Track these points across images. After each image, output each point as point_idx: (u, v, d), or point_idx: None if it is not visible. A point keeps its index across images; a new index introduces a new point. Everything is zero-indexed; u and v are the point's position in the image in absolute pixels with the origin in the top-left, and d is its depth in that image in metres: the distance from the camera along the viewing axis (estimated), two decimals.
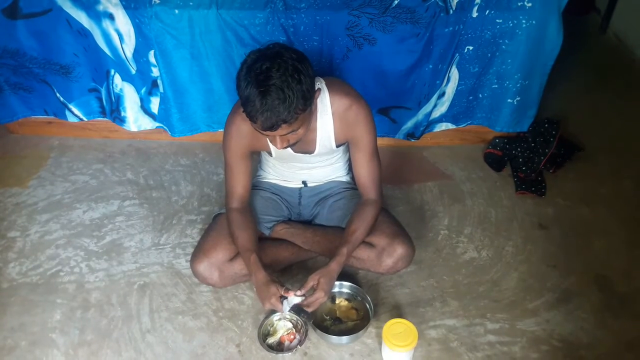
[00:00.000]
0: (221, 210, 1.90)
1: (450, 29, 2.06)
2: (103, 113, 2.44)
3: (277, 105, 1.39)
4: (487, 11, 2.04)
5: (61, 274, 1.97)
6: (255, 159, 1.89)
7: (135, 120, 2.41)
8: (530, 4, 2.03)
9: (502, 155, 2.41)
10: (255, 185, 1.97)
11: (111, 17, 2.09)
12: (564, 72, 2.70)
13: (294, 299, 1.64)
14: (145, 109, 2.37)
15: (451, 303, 1.85)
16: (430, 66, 2.15)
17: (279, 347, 1.71)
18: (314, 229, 1.92)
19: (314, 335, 1.74)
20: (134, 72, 2.24)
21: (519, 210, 2.19)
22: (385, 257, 1.78)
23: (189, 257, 1.90)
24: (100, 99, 2.39)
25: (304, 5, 2.04)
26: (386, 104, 2.29)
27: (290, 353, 1.68)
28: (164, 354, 1.72)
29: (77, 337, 1.77)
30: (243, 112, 1.45)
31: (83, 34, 2.15)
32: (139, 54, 2.17)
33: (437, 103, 2.30)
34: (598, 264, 1.96)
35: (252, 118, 1.43)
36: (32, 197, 2.28)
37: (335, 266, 1.67)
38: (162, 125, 2.43)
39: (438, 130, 2.44)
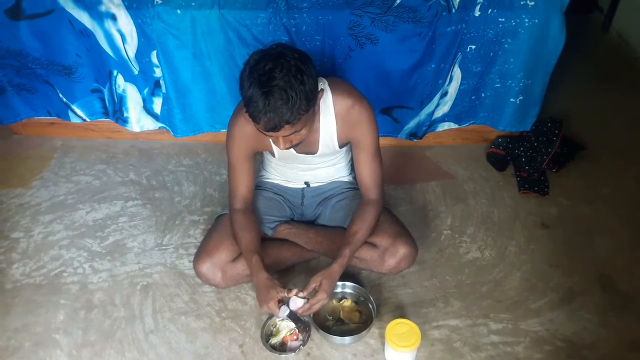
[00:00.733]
0: (224, 211, 1.90)
1: (453, 28, 2.05)
2: (106, 114, 2.44)
3: (280, 106, 1.38)
4: (490, 10, 2.04)
5: (64, 274, 1.97)
6: (257, 159, 1.89)
7: (138, 120, 2.41)
8: (532, 3, 2.03)
9: (504, 154, 2.40)
10: (258, 186, 1.97)
11: (113, 17, 2.09)
12: (567, 71, 2.69)
13: (297, 300, 1.64)
14: (147, 109, 2.37)
15: (454, 303, 1.85)
16: (433, 65, 2.15)
17: (282, 348, 1.71)
18: (317, 230, 1.92)
19: (316, 335, 1.74)
20: (136, 72, 2.24)
21: (522, 210, 2.18)
22: (388, 257, 1.78)
23: (191, 258, 1.90)
24: (102, 100, 2.39)
25: (306, 5, 2.04)
26: (388, 104, 2.29)
27: (293, 353, 1.68)
28: (167, 354, 1.72)
29: (80, 337, 1.77)
30: (246, 112, 1.45)
31: (85, 34, 2.15)
32: (142, 54, 2.17)
33: (440, 102, 2.30)
34: (601, 264, 1.96)
35: (255, 119, 1.43)
36: (36, 197, 2.28)
37: (337, 267, 1.67)
38: (164, 125, 2.43)
39: (440, 129, 2.43)
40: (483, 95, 2.30)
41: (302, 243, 1.91)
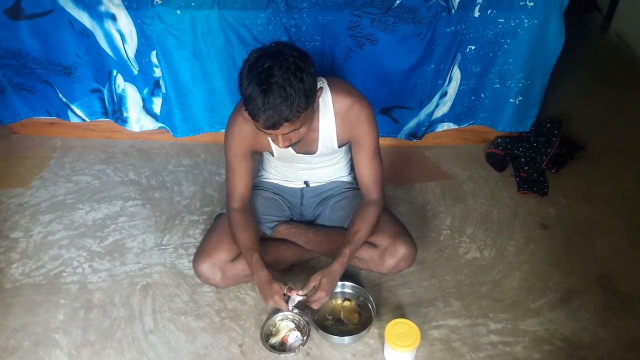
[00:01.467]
0: (223, 211, 1.90)
1: (452, 28, 2.06)
2: (105, 114, 2.44)
3: (279, 103, 1.38)
4: (489, 11, 2.04)
5: (64, 274, 1.97)
6: (256, 159, 1.89)
7: (138, 120, 2.41)
8: (532, 4, 2.03)
9: (504, 155, 2.41)
10: (257, 186, 1.97)
11: (113, 17, 2.09)
12: (566, 72, 2.70)
13: (296, 298, 1.64)
14: (147, 109, 2.38)
15: (453, 303, 1.85)
16: (432, 66, 2.15)
17: (281, 348, 1.71)
18: (316, 229, 1.92)
19: (316, 335, 1.74)
20: (136, 72, 2.24)
21: (521, 210, 2.19)
22: (388, 257, 1.78)
23: (191, 258, 1.91)
24: (102, 100, 2.39)
25: (306, 5, 2.04)
26: (388, 104, 2.29)
27: (292, 353, 1.68)
28: (166, 354, 1.72)
29: (80, 337, 1.77)
30: (245, 110, 1.45)
31: (85, 34, 2.15)
32: (141, 54, 2.18)
33: (439, 103, 2.30)
34: (600, 264, 1.96)
35: (254, 117, 1.43)
36: (35, 197, 2.28)
37: (337, 267, 1.67)
38: (164, 125, 2.43)
39: (440, 130, 2.44)
40: (482, 95, 2.30)
41: (301, 243, 1.91)
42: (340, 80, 1.75)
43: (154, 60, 2.18)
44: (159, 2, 2.05)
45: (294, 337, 1.72)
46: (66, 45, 2.20)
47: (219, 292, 1.89)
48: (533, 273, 1.94)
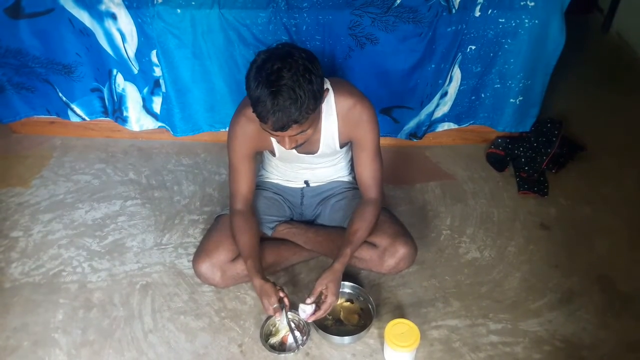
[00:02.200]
0: (223, 211, 1.90)
1: (453, 28, 2.05)
2: (105, 113, 2.44)
3: (288, 105, 1.38)
4: (490, 10, 2.04)
5: (64, 273, 1.97)
6: (257, 158, 1.88)
7: (138, 120, 2.41)
8: (532, 4, 2.03)
9: (504, 155, 2.40)
10: (258, 185, 1.97)
11: (113, 16, 2.09)
12: (567, 72, 2.70)
13: (307, 307, 1.64)
14: (147, 108, 2.37)
15: (453, 303, 1.85)
16: (433, 66, 2.15)
17: (281, 347, 1.71)
18: (316, 229, 1.92)
19: (315, 335, 1.74)
20: (136, 71, 2.24)
21: (522, 210, 2.18)
22: (388, 257, 1.78)
23: (191, 257, 1.90)
24: (102, 99, 2.39)
25: (307, 5, 2.04)
26: (388, 104, 2.29)
27: (292, 353, 1.68)
28: (166, 354, 1.72)
29: (79, 337, 1.77)
30: (253, 112, 1.44)
31: (85, 33, 2.15)
32: (141, 53, 2.17)
33: (440, 103, 2.30)
34: (600, 264, 1.96)
35: (262, 119, 1.42)
36: (35, 196, 2.28)
37: (339, 267, 1.67)
38: (164, 125, 2.43)
39: (440, 130, 2.43)
40: (483, 95, 2.30)
41: (301, 243, 1.91)
42: (342, 81, 1.74)
43: (154, 59, 2.17)
44: (160, 1, 2.05)
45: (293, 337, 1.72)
46: (66, 44, 2.20)
47: (219, 292, 1.88)
48: (533, 273, 1.94)
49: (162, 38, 2.09)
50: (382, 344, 1.70)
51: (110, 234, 2.12)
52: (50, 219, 2.18)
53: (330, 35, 2.08)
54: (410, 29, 2.04)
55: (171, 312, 1.84)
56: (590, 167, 2.37)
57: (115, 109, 2.39)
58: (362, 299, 1.82)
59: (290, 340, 1.71)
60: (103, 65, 2.25)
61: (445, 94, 2.28)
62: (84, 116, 2.45)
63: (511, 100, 2.29)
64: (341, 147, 1.76)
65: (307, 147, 1.69)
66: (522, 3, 2.03)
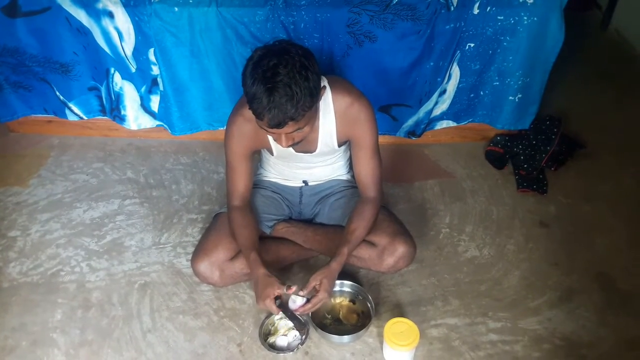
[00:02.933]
0: (222, 210, 1.90)
1: (452, 25, 2.05)
2: (103, 112, 2.44)
3: (284, 102, 1.37)
4: (489, 8, 2.03)
5: (62, 273, 1.97)
6: (255, 157, 1.88)
7: (136, 118, 2.40)
8: (531, 1, 2.02)
9: (503, 152, 2.40)
10: (256, 184, 1.97)
11: (110, 15, 2.08)
12: (566, 69, 2.69)
13: (297, 299, 1.64)
14: (145, 107, 2.37)
15: (453, 302, 1.85)
16: (431, 63, 2.14)
17: (280, 347, 1.70)
18: (315, 228, 1.92)
19: (315, 334, 1.73)
20: (133, 70, 2.23)
21: (521, 208, 2.18)
22: (387, 255, 1.78)
23: (189, 256, 1.90)
24: (100, 98, 2.38)
25: (304, 3, 2.04)
26: (387, 102, 2.28)
27: (291, 352, 1.68)
28: (165, 353, 1.71)
29: (78, 336, 1.77)
30: (249, 109, 1.44)
31: (82, 32, 2.14)
32: (139, 52, 2.16)
33: (438, 101, 2.29)
34: (600, 262, 1.96)
35: (258, 115, 1.42)
36: (33, 196, 2.28)
37: (336, 266, 1.67)
38: (162, 123, 2.42)
39: (439, 127, 2.43)
40: (482, 93, 2.29)
41: (300, 242, 1.90)
42: (340, 79, 1.74)
43: (152, 57, 2.16)
44: None
45: (292, 336, 1.71)
46: (63, 43, 2.19)
47: (218, 291, 1.88)
48: (532, 271, 1.94)
49: (159, 36, 2.08)
50: (381, 342, 1.69)
51: (109, 233, 2.12)
52: (48, 219, 2.18)
53: (329, 33, 2.07)
54: (408, 26, 2.04)
55: (170, 312, 1.83)
56: (590, 165, 2.36)
57: (113, 108, 2.38)
58: (361, 297, 1.82)
59: (289, 339, 1.70)
60: (100, 64, 2.24)
61: (444, 91, 2.27)
62: (81, 115, 2.44)
63: (510, 97, 2.28)
64: (339, 145, 1.76)
65: (305, 145, 1.69)
66: (520, 0, 2.03)
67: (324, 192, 1.95)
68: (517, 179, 2.29)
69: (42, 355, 1.72)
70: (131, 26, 2.10)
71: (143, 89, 2.30)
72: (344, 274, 1.80)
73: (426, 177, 2.34)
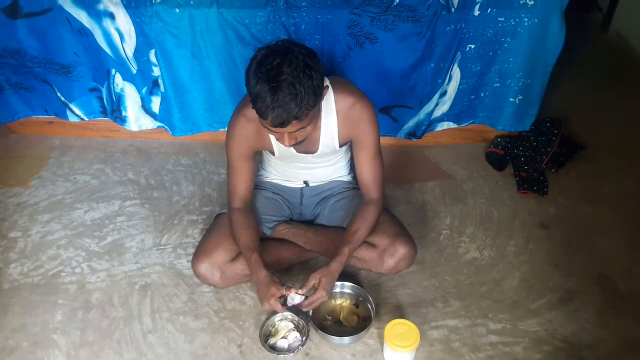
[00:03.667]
0: (222, 211, 1.90)
1: (452, 27, 2.05)
2: (104, 113, 2.44)
3: (288, 101, 1.37)
4: (489, 9, 2.03)
5: (62, 274, 1.97)
6: (257, 158, 1.88)
7: (136, 119, 2.41)
8: (532, 2, 2.02)
9: (504, 154, 2.40)
10: (257, 185, 1.97)
11: (112, 16, 2.08)
12: (566, 71, 2.69)
13: (296, 297, 1.64)
14: (146, 108, 2.37)
15: (453, 303, 1.85)
16: (432, 65, 2.14)
17: (280, 348, 1.70)
18: (316, 229, 1.92)
19: (315, 335, 1.73)
20: (134, 71, 2.23)
21: (521, 210, 2.18)
22: (387, 257, 1.78)
23: (190, 258, 1.90)
24: (101, 99, 2.38)
25: (305, 4, 2.04)
26: (387, 103, 2.29)
27: (292, 354, 1.68)
28: (165, 354, 1.71)
29: (78, 337, 1.77)
30: (253, 108, 1.43)
31: (84, 33, 2.15)
32: (140, 53, 2.17)
33: (439, 102, 2.29)
34: (600, 264, 1.96)
35: (262, 114, 1.42)
36: (34, 197, 2.28)
37: (336, 266, 1.67)
38: (163, 124, 2.42)
39: (440, 129, 2.43)
40: (482, 94, 2.30)
41: (301, 243, 1.90)
42: (342, 79, 1.74)
43: (153, 59, 2.17)
44: (158, 0, 2.04)
45: (293, 338, 1.71)
46: (64, 44, 2.19)
47: (218, 292, 1.88)
48: (533, 273, 1.94)
49: (160, 37, 2.09)
50: (381, 344, 1.69)
51: (109, 234, 2.12)
52: (49, 220, 2.18)
53: (329, 34, 2.07)
54: (409, 28, 2.04)
55: (170, 313, 1.83)
56: (590, 166, 2.36)
57: (114, 109, 2.38)
58: (361, 299, 1.82)
59: (290, 340, 1.70)
60: (101, 65, 2.24)
61: (445, 93, 2.27)
62: (82, 116, 2.44)
63: (510, 99, 2.28)
64: (340, 146, 1.76)
65: (307, 146, 1.69)
66: (521, 2, 2.03)
67: (324, 193, 1.95)
68: (518, 181, 2.29)
69: (42, 356, 1.72)
70: (132, 27, 2.10)
71: (144, 90, 2.30)
72: (344, 276, 1.80)
73: (427, 178, 2.34)
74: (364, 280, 1.92)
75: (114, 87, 2.29)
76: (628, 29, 3.18)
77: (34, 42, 2.20)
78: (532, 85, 2.25)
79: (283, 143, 1.52)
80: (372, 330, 1.75)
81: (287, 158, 1.83)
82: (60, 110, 2.43)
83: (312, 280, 1.65)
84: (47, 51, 2.22)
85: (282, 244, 1.91)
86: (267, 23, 2.05)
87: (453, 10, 2.02)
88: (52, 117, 2.49)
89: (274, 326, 1.75)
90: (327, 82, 1.62)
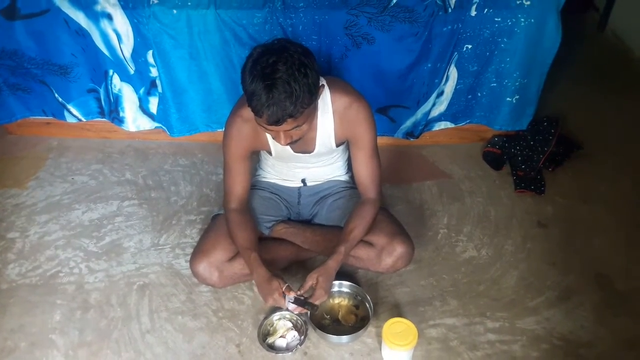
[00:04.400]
0: (220, 211, 1.90)
1: (449, 27, 2.06)
2: (102, 113, 2.44)
3: (283, 99, 1.38)
4: (486, 10, 2.04)
5: (61, 274, 1.97)
6: (254, 158, 1.88)
7: (134, 120, 2.41)
8: (528, 3, 2.03)
9: (501, 153, 2.41)
10: (254, 185, 1.97)
11: (109, 17, 2.08)
12: (563, 71, 2.70)
13: (294, 297, 1.64)
14: (143, 109, 2.37)
15: (451, 302, 1.85)
16: (429, 65, 2.15)
17: (279, 347, 1.70)
18: (313, 229, 1.92)
19: (313, 334, 1.74)
20: (132, 72, 2.24)
21: (518, 209, 2.19)
22: (385, 256, 1.78)
23: (188, 258, 1.90)
24: (98, 100, 2.38)
25: (303, 5, 2.04)
26: (385, 103, 2.29)
27: (290, 353, 1.68)
28: (163, 354, 1.71)
29: (77, 337, 1.77)
30: (248, 106, 1.43)
31: (81, 34, 2.15)
32: (138, 54, 2.17)
33: (436, 102, 2.30)
34: (597, 262, 1.96)
35: (257, 112, 1.42)
36: (31, 198, 2.28)
37: (333, 264, 1.67)
38: (160, 125, 2.43)
39: (437, 129, 2.44)
40: (479, 94, 2.30)
41: (298, 242, 1.91)
42: (339, 80, 1.74)
43: (150, 59, 2.17)
44: (155, 1, 2.04)
45: (291, 337, 1.72)
46: (62, 45, 2.20)
47: (216, 292, 1.88)
48: (530, 271, 1.94)
49: (158, 38, 2.09)
50: (379, 342, 1.70)
51: (108, 234, 2.12)
52: (46, 220, 2.18)
53: (327, 35, 2.08)
54: (406, 28, 2.04)
55: (169, 313, 1.83)
56: (587, 165, 2.37)
57: (112, 110, 2.38)
58: (359, 297, 1.82)
59: (288, 339, 1.71)
60: (99, 66, 2.24)
61: (442, 93, 2.28)
62: (80, 117, 2.44)
63: (507, 98, 2.29)
64: (337, 146, 1.76)
65: (303, 145, 1.69)
66: (518, 2, 2.04)
67: (322, 193, 1.96)
68: (515, 180, 2.29)
69: (41, 356, 1.72)
70: (130, 28, 2.10)
71: (142, 90, 2.30)
72: (342, 275, 1.80)
73: (424, 178, 2.35)
74: (362, 279, 1.92)
75: (111, 87, 2.30)
76: (624, 29, 3.19)
77: (31, 44, 2.20)
78: (529, 84, 2.25)
79: (279, 142, 1.52)
80: (370, 329, 1.75)
81: (284, 158, 1.84)
82: (58, 111, 2.43)
83: (310, 281, 1.65)
84: (45, 52, 2.22)
85: (280, 244, 1.91)
86: (265, 24, 2.05)
87: (450, 10, 2.03)
88: (49, 118, 2.49)
89: (272, 325, 1.75)
90: (323, 82, 1.63)
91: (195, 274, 1.80)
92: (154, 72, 2.21)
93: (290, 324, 1.74)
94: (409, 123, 2.35)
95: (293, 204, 1.98)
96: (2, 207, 2.24)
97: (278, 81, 1.37)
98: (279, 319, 1.75)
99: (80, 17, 2.10)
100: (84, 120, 2.46)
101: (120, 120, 2.41)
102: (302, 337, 1.70)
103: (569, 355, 1.69)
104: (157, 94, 2.30)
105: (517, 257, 1.99)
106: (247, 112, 1.53)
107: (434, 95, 2.25)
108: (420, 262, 1.97)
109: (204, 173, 2.40)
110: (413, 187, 2.30)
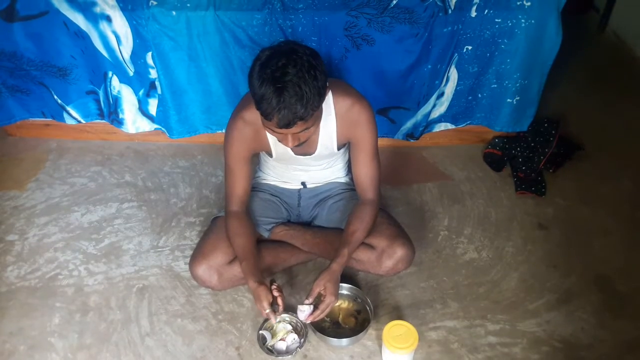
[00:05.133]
0: (220, 213, 1.90)
1: (449, 28, 2.05)
2: (101, 115, 2.43)
3: (294, 102, 1.36)
4: (486, 11, 2.04)
5: (60, 277, 1.96)
6: (254, 160, 1.88)
7: (134, 122, 2.40)
8: (529, 3, 2.03)
9: (501, 155, 2.40)
10: (254, 187, 1.96)
11: (108, 19, 2.08)
12: (563, 71, 2.70)
13: (305, 307, 1.63)
14: (143, 110, 2.36)
15: (451, 304, 1.84)
16: (429, 66, 2.14)
17: (279, 350, 1.70)
18: (313, 231, 1.92)
19: (313, 337, 1.73)
20: (131, 74, 2.23)
21: (519, 211, 2.18)
22: (385, 258, 1.77)
23: (187, 260, 1.90)
24: (98, 101, 2.38)
25: (302, 6, 2.04)
26: (385, 105, 2.29)
27: (290, 356, 1.68)
28: (163, 357, 1.71)
29: (76, 340, 1.76)
30: (257, 110, 1.42)
31: (80, 36, 2.14)
32: (137, 55, 2.16)
33: (436, 103, 2.29)
34: (598, 264, 1.96)
35: (267, 116, 1.40)
36: (31, 200, 2.27)
37: (337, 267, 1.66)
38: (160, 127, 2.42)
39: (437, 130, 2.43)
40: (480, 95, 2.30)
41: (298, 245, 1.90)
42: (340, 81, 1.74)
43: (150, 61, 2.16)
44: (154, 3, 2.04)
45: (291, 340, 1.71)
46: (61, 47, 2.19)
47: (216, 295, 1.88)
48: (531, 274, 1.94)
49: (157, 40, 2.08)
50: (380, 345, 1.69)
51: (107, 236, 2.12)
52: (46, 222, 2.17)
53: (326, 36, 2.07)
54: (406, 29, 2.04)
55: (168, 315, 1.83)
56: (588, 167, 2.37)
57: (111, 111, 2.38)
58: (359, 300, 1.81)
59: (288, 342, 1.70)
60: (98, 68, 2.24)
61: (442, 94, 2.27)
62: (79, 119, 2.44)
63: (508, 100, 2.28)
64: (339, 148, 1.76)
65: (305, 148, 1.68)
66: (518, 3, 2.03)
67: (322, 195, 1.95)
68: (516, 181, 2.29)
69: (40, 359, 1.71)
70: (129, 30, 2.10)
71: (141, 92, 2.30)
72: (343, 277, 1.79)
73: (424, 179, 2.34)
74: (362, 281, 1.91)
75: (110, 89, 2.29)
76: (625, 29, 3.18)
77: (30, 45, 2.19)
78: (529, 86, 2.25)
79: (286, 144, 1.50)
80: (371, 331, 1.75)
81: (284, 160, 1.83)
82: (57, 113, 2.42)
83: (317, 288, 1.64)
84: (44, 54, 2.22)
85: (280, 246, 1.90)
86: (264, 25, 2.05)
87: (450, 11, 2.02)
88: (49, 120, 2.49)
89: (272, 328, 1.74)
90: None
91: (194, 276, 1.80)
92: (153, 73, 2.21)
93: (290, 327, 1.74)
94: (409, 124, 2.35)
95: (293, 206, 1.97)
96: (1, 209, 2.23)
97: (288, 84, 1.35)
98: (279, 321, 1.75)
99: (79, 19, 2.10)
100: (84, 122, 2.45)
101: (119, 122, 2.41)
102: (302, 340, 1.70)
103: (569, 357, 1.69)
104: (157, 96, 2.29)
105: (518, 259, 1.99)
106: (249, 114, 1.52)
107: (434, 96, 2.25)
108: (420, 265, 1.97)
109: (203, 175, 2.39)
110: (413, 189, 2.29)
